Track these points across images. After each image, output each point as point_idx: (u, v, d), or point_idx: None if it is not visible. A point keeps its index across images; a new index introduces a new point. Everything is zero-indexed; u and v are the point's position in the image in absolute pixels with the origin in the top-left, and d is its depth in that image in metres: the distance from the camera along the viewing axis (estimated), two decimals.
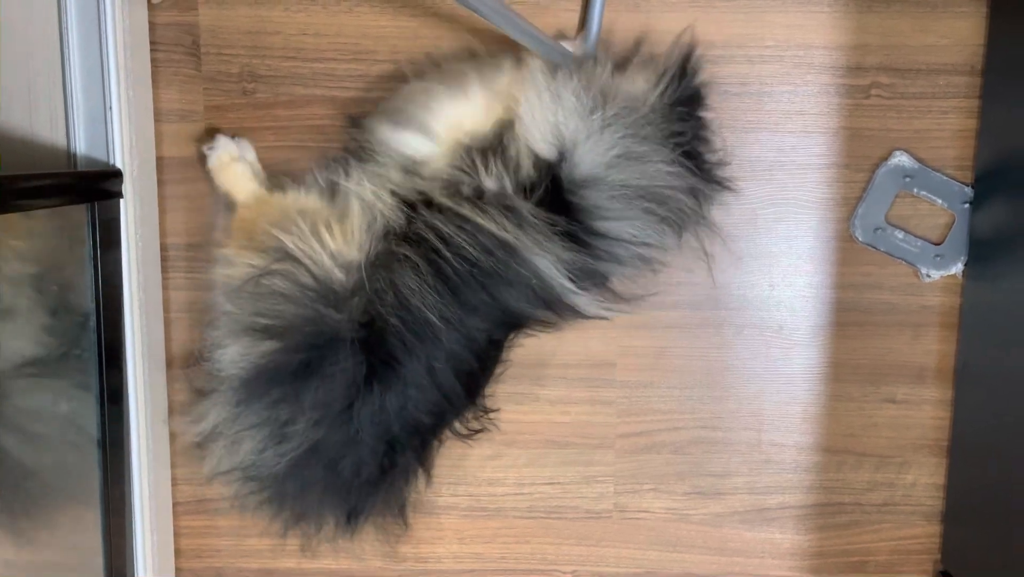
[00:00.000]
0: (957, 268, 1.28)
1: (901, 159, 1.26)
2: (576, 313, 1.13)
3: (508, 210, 1.06)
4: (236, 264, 1.10)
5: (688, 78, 1.13)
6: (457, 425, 1.19)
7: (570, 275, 1.08)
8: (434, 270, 1.05)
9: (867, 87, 1.25)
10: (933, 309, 1.30)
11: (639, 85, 1.10)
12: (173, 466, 1.32)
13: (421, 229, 1.07)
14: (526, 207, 1.06)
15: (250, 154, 1.24)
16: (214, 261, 1.15)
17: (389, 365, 1.06)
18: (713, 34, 1.24)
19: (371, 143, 1.14)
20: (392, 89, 1.22)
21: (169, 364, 1.29)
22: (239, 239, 1.13)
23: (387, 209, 1.10)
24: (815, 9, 1.24)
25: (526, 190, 1.07)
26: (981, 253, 1.25)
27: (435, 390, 1.09)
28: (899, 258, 1.29)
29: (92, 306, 1.09)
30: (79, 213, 1.08)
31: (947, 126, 1.26)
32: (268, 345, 1.06)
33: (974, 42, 1.23)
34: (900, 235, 1.28)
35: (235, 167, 1.21)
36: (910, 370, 1.31)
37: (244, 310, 1.08)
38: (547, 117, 1.06)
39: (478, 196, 1.07)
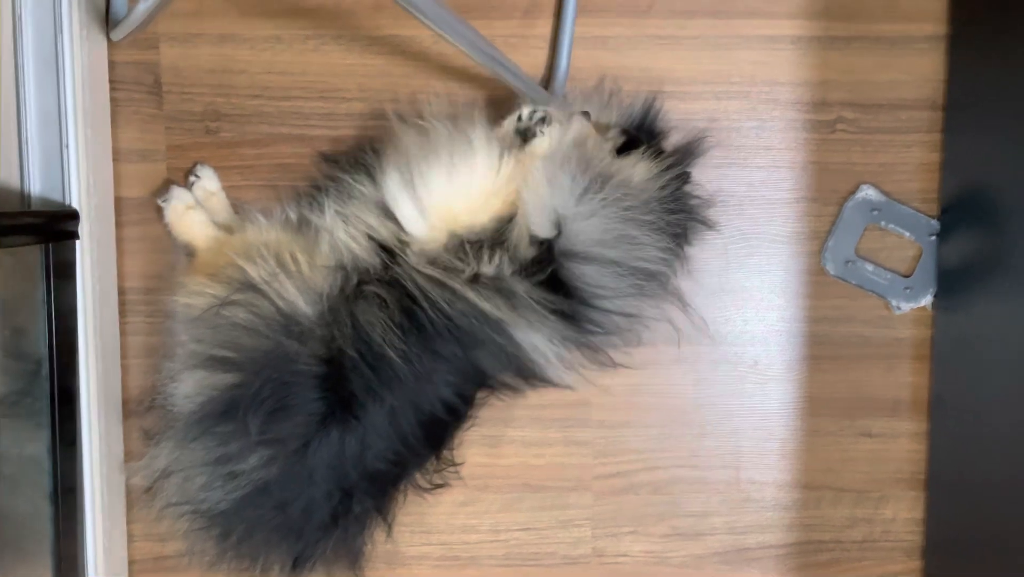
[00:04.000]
0: (927, 300, 1.29)
1: (868, 192, 1.27)
2: (548, 383, 1.12)
3: (503, 292, 1.05)
4: (197, 294, 1.06)
5: (688, 178, 1.16)
6: (419, 477, 1.15)
7: (558, 350, 1.08)
8: (403, 311, 1.03)
9: (832, 122, 1.27)
10: (905, 341, 1.30)
11: (639, 174, 1.10)
12: (129, 521, 1.27)
13: (399, 275, 1.05)
14: (522, 287, 1.05)
15: (213, 183, 1.21)
16: (174, 291, 1.11)
17: (348, 406, 1.03)
18: (680, 71, 1.25)
19: (350, 183, 1.11)
20: (364, 128, 1.22)
21: (126, 413, 1.24)
22: (201, 274, 1.10)
23: (361, 251, 1.07)
24: (779, 47, 1.25)
25: (524, 270, 1.06)
26: (950, 285, 1.26)
27: (396, 436, 1.06)
28: (870, 290, 1.29)
29: (45, 351, 1.06)
30: (33, 255, 1.05)
31: (911, 160, 1.27)
32: (224, 378, 1.03)
33: (935, 78, 1.26)
34: (870, 268, 1.28)
35: (191, 216, 1.18)
36: (885, 403, 1.31)
37: (203, 341, 1.04)
38: (544, 202, 1.05)
39: (473, 280, 1.05)
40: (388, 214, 1.09)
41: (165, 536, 1.25)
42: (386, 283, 1.05)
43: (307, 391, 1.02)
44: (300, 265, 1.05)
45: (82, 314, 1.12)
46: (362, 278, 1.06)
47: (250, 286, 1.04)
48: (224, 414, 1.02)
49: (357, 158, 1.15)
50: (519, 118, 1.11)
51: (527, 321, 1.05)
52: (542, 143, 1.09)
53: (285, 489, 1.04)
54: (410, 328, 1.03)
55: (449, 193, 1.07)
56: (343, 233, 1.08)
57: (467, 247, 1.06)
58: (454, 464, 1.20)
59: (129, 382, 1.25)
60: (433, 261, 1.06)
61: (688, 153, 1.18)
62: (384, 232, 1.08)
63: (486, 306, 1.04)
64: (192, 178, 1.21)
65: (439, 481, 1.17)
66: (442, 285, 1.04)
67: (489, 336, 1.05)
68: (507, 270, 1.05)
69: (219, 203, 1.21)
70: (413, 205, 1.08)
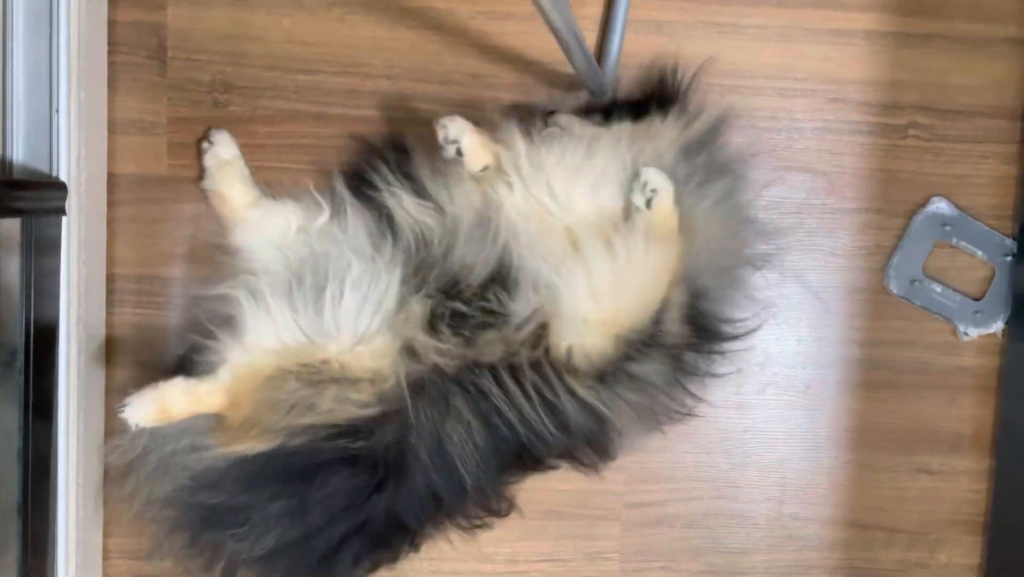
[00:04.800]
0: (997, 326, 1.19)
1: (940, 206, 1.17)
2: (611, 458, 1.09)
3: (634, 383, 0.99)
4: (238, 442, 0.98)
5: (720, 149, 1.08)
6: (460, 519, 1.11)
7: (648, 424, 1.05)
8: (487, 431, 0.98)
9: (904, 127, 1.17)
10: (970, 370, 1.21)
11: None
12: (106, 536, 1.18)
13: (488, 386, 0.97)
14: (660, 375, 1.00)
15: (228, 150, 1.10)
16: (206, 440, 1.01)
17: (401, 475, 1.00)
18: (740, 62, 1.16)
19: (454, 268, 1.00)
20: (389, 109, 1.14)
21: (108, 416, 1.14)
22: (237, 426, 1.00)
23: (444, 349, 0.97)
24: (849, 42, 1.16)
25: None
26: None
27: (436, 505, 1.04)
28: (936, 313, 1.19)
29: (21, 341, 0.97)
30: (12, 229, 0.97)
31: (987, 172, 1.19)
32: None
33: (1015, 84, 1.17)
34: (938, 288, 1.18)
35: (231, 167, 1.10)
36: (945, 437, 1.22)
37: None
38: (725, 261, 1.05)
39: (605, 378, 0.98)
40: (525, 323, 0.97)
41: (143, 552, 1.16)
42: (465, 388, 0.97)
43: (360, 472, 0.99)
44: (362, 391, 0.97)
45: (65, 300, 1.04)
46: (437, 372, 0.98)
47: (305, 430, 0.96)
48: (268, 477, 0.99)
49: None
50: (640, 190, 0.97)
51: (632, 408, 1.00)
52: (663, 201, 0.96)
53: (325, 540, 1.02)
54: (489, 448, 0.99)
55: (615, 286, 0.94)
56: (422, 335, 0.97)
57: (636, 347, 0.96)
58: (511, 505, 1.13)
59: (113, 383, 1.15)
60: (599, 374, 0.97)
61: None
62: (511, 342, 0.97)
63: (598, 404, 0.98)
64: (205, 144, 1.11)
65: (478, 523, 1.11)
66: (564, 388, 0.97)
67: (579, 431, 1.01)
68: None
69: (236, 173, 1.10)
70: (588, 310, 0.95)
